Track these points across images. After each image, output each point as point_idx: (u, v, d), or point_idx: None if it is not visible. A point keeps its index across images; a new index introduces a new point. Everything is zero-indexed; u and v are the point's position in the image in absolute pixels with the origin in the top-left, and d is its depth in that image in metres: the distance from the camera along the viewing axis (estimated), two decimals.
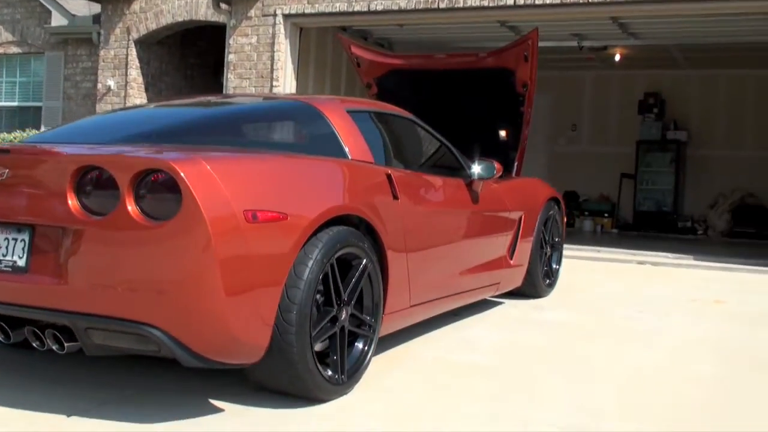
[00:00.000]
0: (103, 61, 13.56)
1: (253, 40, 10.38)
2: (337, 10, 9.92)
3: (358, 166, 4.04)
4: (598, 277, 7.42)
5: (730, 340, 5.14)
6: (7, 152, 3.31)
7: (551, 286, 6.50)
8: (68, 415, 3.35)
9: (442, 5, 9.39)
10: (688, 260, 8.62)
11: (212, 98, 4.96)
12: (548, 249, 6.39)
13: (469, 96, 6.93)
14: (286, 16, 10.21)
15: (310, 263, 3.41)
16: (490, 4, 9.16)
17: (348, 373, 3.69)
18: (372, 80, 7.30)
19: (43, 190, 3.24)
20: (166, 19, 12.79)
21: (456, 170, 5.12)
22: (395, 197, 4.15)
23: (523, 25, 10.99)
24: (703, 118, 15.32)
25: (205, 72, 15.10)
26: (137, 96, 13.52)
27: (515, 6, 9.10)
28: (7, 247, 3.32)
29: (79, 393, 3.64)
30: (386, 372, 4.07)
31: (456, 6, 9.33)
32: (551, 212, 6.40)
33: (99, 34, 13.73)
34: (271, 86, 10.26)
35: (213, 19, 12.31)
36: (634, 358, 4.55)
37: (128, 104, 13.26)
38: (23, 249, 3.28)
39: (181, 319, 3.07)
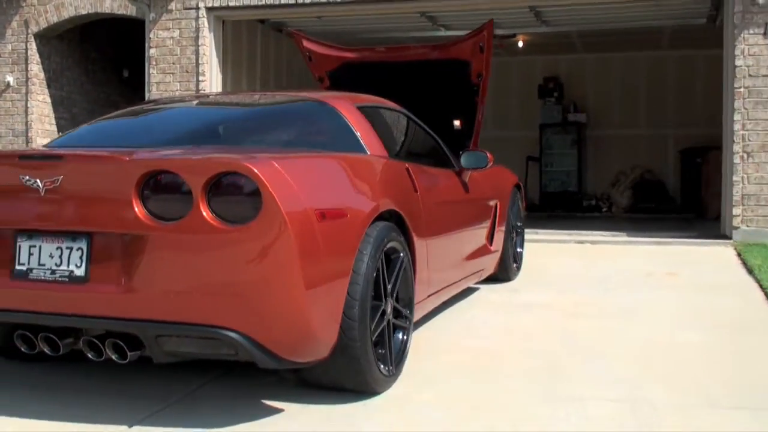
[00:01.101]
0: (0, 56, 12.87)
1: (175, 33, 10.13)
2: (264, 2, 9.82)
3: (387, 161, 4.11)
4: (549, 258, 7.72)
5: (702, 309, 5.49)
6: (60, 158, 3.19)
7: (518, 269, 6.73)
8: (129, 426, 3.28)
9: None
10: (622, 237, 9.08)
11: (222, 97, 4.89)
12: (514, 234, 6.61)
13: (424, 87, 7.03)
14: (209, 9, 10.02)
15: (366, 259, 3.46)
16: None
17: (395, 364, 3.76)
18: (324, 74, 7.29)
19: (103, 196, 3.14)
20: (68, 12, 12.27)
21: (446, 161, 5.25)
22: (415, 190, 4.24)
23: (442, 15, 11.20)
24: (600, 100, 16.02)
25: (106, 66, 14.60)
26: (39, 92, 12.91)
27: None
28: (60, 257, 3.21)
29: (126, 404, 3.56)
30: (414, 361, 4.15)
31: None
32: (516, 198, 6.63)
33: None
34: (197, 81, 10.06)
35: (120, 12, 11.89)
36: (629, 333, 4.81)
37: (31, 101, 12.68)
38: (81, 258, 3.18)
39: (261, 321, 3.06)
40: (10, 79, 12.86)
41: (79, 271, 3.17)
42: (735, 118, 8.46)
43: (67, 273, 3.18)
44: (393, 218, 3.87)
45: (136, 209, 3.07)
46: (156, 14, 10.19)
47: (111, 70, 14.68)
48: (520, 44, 14.32)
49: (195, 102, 4.76)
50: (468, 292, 6.07)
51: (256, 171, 2.98)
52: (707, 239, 8.71)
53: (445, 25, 11.88)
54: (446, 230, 4.72)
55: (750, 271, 6.69)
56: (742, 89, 8.43)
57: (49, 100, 13.19)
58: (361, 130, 4.22)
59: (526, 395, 3.64)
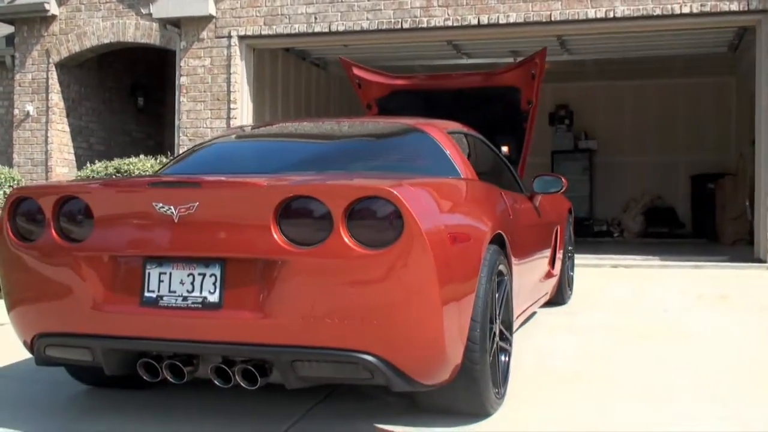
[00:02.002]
0: (20, 86, 12.90)
1: (207, 62, 10.20)
2: (297, 31, 9.92)
3: (489, 185, 4.17)
4: (592, 281, 7.77)
5: (761, 329, 5.55)
6: (198, 185, 3.22)
7: (571, 292, 6.79)
8: None
9: (406, 25, 9.57)
10: (655, 261, 9.17)
11: (312, 125, 4.95)
12: (567, 258, 6.67)
13: (474, 114, 7.12)
14: (241, 38, 10.10)
15: (484, 281, 3.51)
16: (454, 24, 9.41)
17: (503, 387, 3.79)
18: (373, 101, 7.39)
19: (239, 222, 3.17)
20: (90, 41, 12.33)
21: (517, 185, 5.32)
22: (509, 214, 4.30)
23: (466, 43, 11.34)
24: (611, 127, 16.20)
25: (122, 95, 14.65)
26: (59, 121, 12.94)
27: (479, 26, 9.39)
28: (192, 284, 3.23)
29: (241, 428, 3.57)
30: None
31: (420, 26, 9.54)
32: (569, 222, 6.70)
33: (13, 57, 13.04)
34: (229, 108, 10.11)
35: (143, 41, 11.98)
36: (714, 354, 4.86)
37: (51, 130, 12.69)
38: (214, 284, 3.20)
39: (399, 344, 3.09)
40: (30, 108, 12.88)
41: (213, 298, 3.19)
42: None
43: (200, 299, 3.19)
44: (498, 242, 3.93)
45: (275, 235, 3.10)
46: (187, 43, 10.25)
47: (126, 99, 14.73)
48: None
49: (290, 129, 4.82)
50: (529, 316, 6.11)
51: (398, 195, 3.02)
52: (742, 263, 8.81)
53: (467, 54, 12.03)
54: (529, 254, 4.78)
55: None
56: None
57: (68, 129, 13.21)
58: (454, 155, 4.29)
59: (638, 416, 3.67)
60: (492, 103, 7.09)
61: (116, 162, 10.42)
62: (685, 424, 3.57)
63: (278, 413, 3.75)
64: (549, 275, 5.79)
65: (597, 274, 8.31)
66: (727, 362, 4.69)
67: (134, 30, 12.02)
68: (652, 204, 15.62)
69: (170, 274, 3.26)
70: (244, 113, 10.32)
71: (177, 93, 10.32)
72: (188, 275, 3.24)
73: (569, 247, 6.86)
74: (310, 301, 3.08)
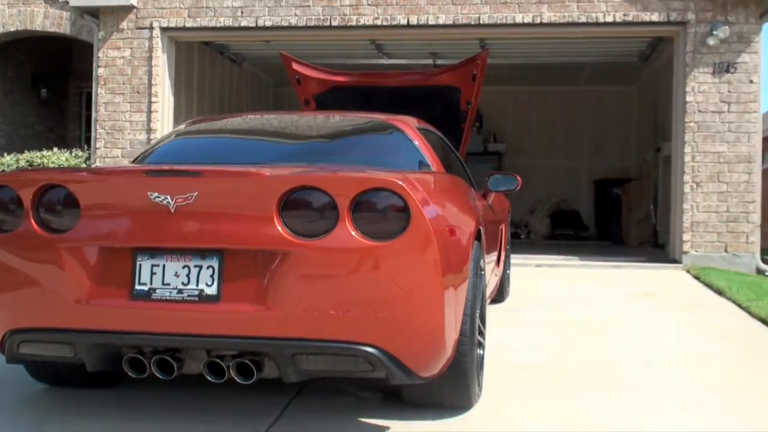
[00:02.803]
0: None
1: (127, 53, 9.87)
2: (222, 24, 9.72)
3: (464, 181, 4.21)
4: (523, 280, 7.95)
5: (701, 326, 5.83)
6: (199, 174, 3.12)
7: (509, 290, 6.94)
8: None
9: (335, 23, 9.54)
10: (575, 261, 9.46)
11: (281, 118, 4.86)
12: (506, 257, 6.81)
13: (412, 112, 7.17)
14: (164, 29, 9.82)
15: (471, 275, 3.55)
16: (383, 23, 9.45)
17: (481, 379, 3.85)
18: (311, 96, 7.33)
19: (240, 213, 3.10)
20: None
21: (471, 181, 5.40)
22: (480, 210, 4.37)
23: (389, 43, 11.40)
24: (519, 131, 16.58)
25: (24, 86, 14.02)
26: None
27: (408, 26, 9.45)
28: (188, 276, 3.14)
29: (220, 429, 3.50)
30: None
31: (349, 24, 9.53)
32: (509, 221, 6.84)
33: None
34: (149, 102, 9.82)
35: (53, 30, 11.53)
36: (655, 346, 5.08)
37: None
38: (212, 276, 3.12)
39: (402, 336, 3.09)
40: None
41: (211, 290, 3.10)
42: (686, 150, 9.01)
43: (197, 292, 3.10)
44: (478, 237, 3.98)
45: (278, 226, 3.05)
46: (106, 33, 9.91)
47: (28, 90, 14.11)
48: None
49: (259, 122, 4.73)
50: None
51: (405, 187, 3.02)
52: (659, 263, 9.19)
53: (388, 54, 12.09)
54: (489, 251, 4.86)
55: (719, 293, 7.12)
56: (692, 124, 9.00)
57: None
58: (425, 150, 4.33)
59: (605, 405, 3.79)
60: (431, 102, 7.15)
61: (28, 155, 10.00)
62: (653, 412, 3.71)
63: (250, 411, 3.68)
64: (497, 272, 5.90)
65: (524, 273, 8.51)
66: (670, 354, 4.89)
67: (43, 18, 11.54)
68: (558, 207, 16.07)
69: (163, 266, 3.15)
70: (165, 107, 10.05)
71: (94, 85, 9.95)
72: (183, 267, 3.14)
73: (508, 246, 7.00)
74: (313, 293, 3.04)
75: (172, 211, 3.09)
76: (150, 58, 9.84)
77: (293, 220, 3.06)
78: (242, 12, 9.70)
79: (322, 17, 9.57)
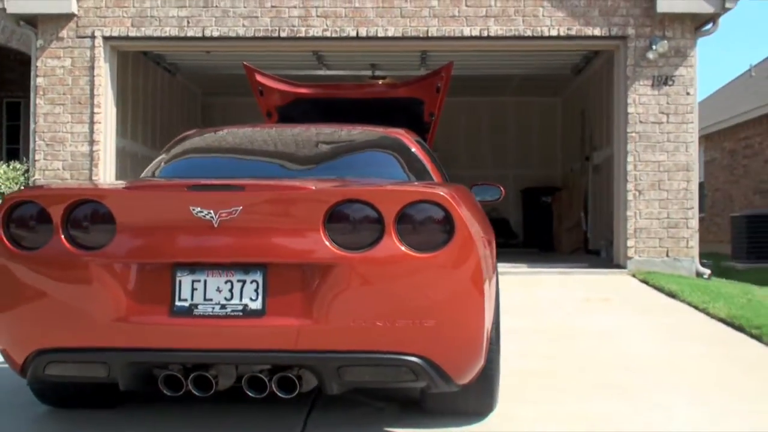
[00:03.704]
0: None
1: (67, 63, 9.59)
2: (168, 34, 9.55)
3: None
4: None
5: (665, 327, 6.10)
6: (242, 189, 3.11)
7: None
8: None
9: (283, 34, 9.51)
10: (523, 268, 9.68)
11: (299, 129, 4.84)
12: None
13: (376, 124, 7.24)
14: (106, 39, 9.58)
15: (495, 283, 3.65)
16: (332, 35, 9.47)
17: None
18: (274, 109, 7.30)
19: (284, 226, 3.11)
20: None
21: None
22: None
23: (330, 55, 11.43)
24: (447, 141, 16.83)
25: None
26: None
27: (357, 38, 9.51)
28: (231, 291, 3.12)
29: None
30: None
31: (297, 36, 9.51)
32: None
33: None
34: (92, 113, 9.55)
35: None
36: (625, 350, 5.32)
37: None
38: (256, 291, 3.11)
39: (446, 345, 3.15)
40: None
41: (255, 305, 3.10)
42: (628, 160, 9.36)
43: (240, 307, 3.09)
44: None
45: (324, 239, 3.07)
46: (45, 41, 9.60)
47: None
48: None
49: (265, 135, 4.71)
50: None
51: (449, 199, 3.10)
52: (604, 269, 9.51)
53: (327, 65, 12.12)
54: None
55: (672, 296, 7.44)
56: (634, 134, 9.36)
57: None
58: (427, 161, 4.43)
59: (612, 406, 3.95)
60: (395, 114, 7.20)
61: None
62: (659, 411, 3.88)
63: (270, 428, 3.66)
64: None
65: None
66: (653, 355, 5.11)
67: None
68: (488, 216, 16.36)
69: (205, 281, 3.13)
70: (108, 118, 9.81)
71: (33, 95, 9.63)
72: (226, 282, 3.12)
73: None
74: (360, 305, 3.07)
75: (215, 225, 3.08)
76: (92, 68, 9.59)
77: (339, 234, 3.09)
78: (188, 22, 9.57)
79: (270, 28, 9.54)
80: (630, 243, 9.29)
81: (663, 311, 6.80)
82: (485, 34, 9.40)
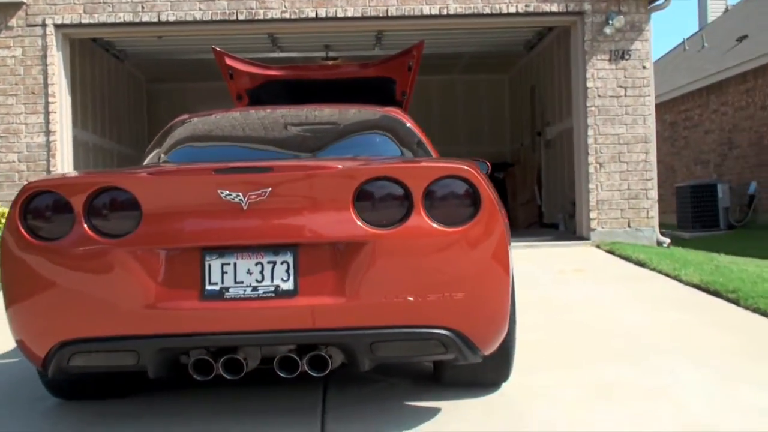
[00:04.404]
0: None
1: (18, 52, 9.31)
2: (122, 20, 9.35)
3: None
4: None
5: (643, 295, 6.28)
6: (269, 170, 3.09)
7: None
8: None
9: (241, 17, 9.40)
10: None
11: (298, 110, 4.81)
12: None
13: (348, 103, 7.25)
14: (57, 27, 9.34)
15: (510, 256, 3.71)
16: (291, 17, 9.40)
17: None
18: (244, 92, 7.23)
19: (314, 206, 3.11)
20: None
21: None
22: None
23: (284, 37, 11.35)
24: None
25: None
26: None
27: (317, 19, 9.46)
28: (262, 273, 3.12)
29: (285, 420, 3.50)
30: None
31: (256, 18, 9.41)
32: None
33: None
34: (46, 102, 9.31)
35: None
36: (615, 318, 5.46)
37: None
38: (287, 271, 3.11)
39: (475, 317, 3.20)
40: None
41: (287, 285, 3.10)
42: (588, 134, 9.54)
43: (272, 288, 3.09)
44: None
45: (354, 217, 3.08)
46: None
47: None
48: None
49: (265, 115, 4.67)
50: None
51: (475, 174, 3.14)
52: (568, 241, 9.71)
53: (281, 47, 12.03)
54: None
55: (641, 264, 7.64)
56: (593, 108, 9.54)
57: None
58: (424, 138, 4.48)
59: (622, 372, 4.07)
60: (367, 94, 7.22)
61: None
62: (667, 374, 4.01)
63: (290, 410, 3.68)
64: None
65: None
66: (643, 324, 5.26)
67: None
68: None
69: (234, 264, 3.11)
70: (63, 107, 9.58)
71: None
72: (256, 264, 3.11)
73: None
74: (392, 281, 3.09)
75: (244, 208, 3.06)
76: (44, 57, 9.35)
77: (369, 211, 3.10)
78: (143, 7, 9.39)
79: (227, 11, 9.43)
80: (593, 215, 9.50)
81: (637, 279, 6.99)
82: (444, 12, 9.45)
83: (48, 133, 9.38)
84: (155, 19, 9.41)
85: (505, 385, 3.87)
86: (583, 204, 9.71)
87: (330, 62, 12.98)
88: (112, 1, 9.37)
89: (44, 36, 9.35)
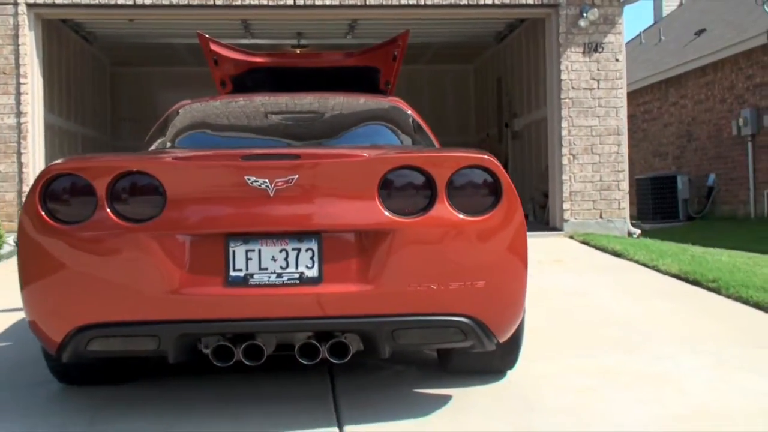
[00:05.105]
0: None
1: None
2: (97, 2, 9.19)
3: None
4: None
5: (626, 284, 6.41)
6: (297, 157, 3.10)
7: None
8: (340, 428, 3.31)
9: (219, 2, 9.31)
10: None
11: (300, 97, 4.80)
12: None
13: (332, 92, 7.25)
14: (30, 6, 9.13)
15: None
16: (270, 3, 9.33)
17: None
18: (228, 78, 7.17)
19: (339, 194, 3.13)
20: None
21: None
22: None
23: (257, 23, 11.27)
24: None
25: None
26: None
27: (295, 6, 9.40)
28: (286, 259, 3.13)
29: (299, 409, 3.52)
30: None
31: (234, 4, 9.32)
32: None
33: None
34: (18, 83, 9.11)
35: None
36: (609, 307, 5.57)
37: None
38: (311, 258, 3.13)
39: (494, 305, 3.26)
40: None
41: (311, 272, 3.12)
42: (562, 125, 9.67)
43: (297, 275, 3.11)
44: None
45: (378, 206, 3.11)
46: None
47: None
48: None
49: (267, 103, 4.66)
50: None
51: (496, 163, 3.20)
52: (541, 231, 9.82)
53: (253, 34, 11.94)
54: None
55: (618, 255, 7.79)
56: (567, 100, 9.67)
57: None
58: (426, 127, 4.53)
59: (621, 359, 4.18)
60: (351, 82, 7.22)
61: None
62: (666, 360, 4.12)
63: (298, 397, 3.70)
64: None
65: None
66: (630, 312, 5.39)
67: None
68: None
69: (259, 250, 3.12)
70: (35, 89, 9.39)
71: None
72: (280, 251, 3.13)
73: None
74: (414, 269, 3.13)
75: (271, 195, 3.07)
76: (16, 36, 9.15)
77: (393, 200, 3.14)
78: None
79: None
80: (566, 206, 9.64)
81: (617, 270, 7.13)
82: (422, 2, 9.48)
83: (19, 114, 9.19)
84: (131, 2, 9.26)
85: (510, 373, 3.94)
86: (556, 195, 9.85)
87: (298, 50, 12.96)
88: None
89: (16, 15, 9.15)
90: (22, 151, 9.16)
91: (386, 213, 3.11)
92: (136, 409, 3.56)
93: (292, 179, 3.07)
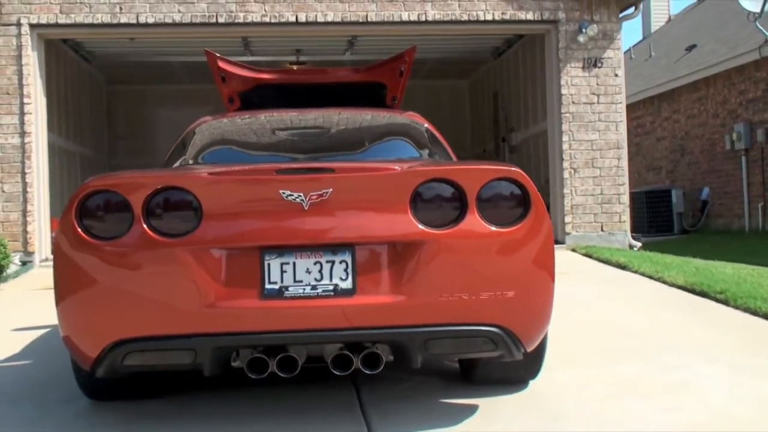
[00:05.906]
0: None
1: None
2: (99, 21, 9.25)
3: None
4: None
5: (631, 295, 6.49)
6: (331, 171, 3.16)
7: None
8: None
9: (221, 20, 9.39)
10: None
11: (318, 113, 4.86)
12: None
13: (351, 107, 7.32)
14: (33, 26, 9.19)
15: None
16: (272, 21, 9.42)
17: None
18: (236, 95, 7.23)
19: (372, 207, 3.19)
20: None
21: None
22: None
23: (257, 40, 11.36)
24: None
25: None
26: None
27: (297, 23, 9.50)
28: (320, 272, 3.18)
29: (326, 420, 3.56)
30: None
31: (236, 21, 9.41)
32: None
33: None
34: (22, 104, 9.15)
35: None
36: (620, 319, 5.64)
37: None
38: (345, 270, 3.18)
39: (524, 315, 3.33)
40: None
41: (346, 284, 3.17)
42: (563, 139, 9.78)
43: (331, 287, 3.16)
44: None
45: (411, 218, 3.18)
46: None
47: None
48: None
49: (288, 118, 4.73)
50: None
51: (525, 175, 3.27)
52: None
53: (252, 51, 12.02)
54: None
55: (623, 267, 7.86)
56: (567, 114, 9.78)
57: None
58: (444, 141, 4.60)
59: (639, 369, 4.24)
60: (357, 98, 7.30)
61: None
62: (682, 369, 4.19)
63: (326, 409, 3.74)
64: None
65: None
66: (640, 324, 5.45)
67: None
68: None
69: (294, 263, 3.17)
70: (38, 108, 9.44)
71: None
72: (315, 263, 3.18)
73: None
74: (445, 281, 3.19)
75: (305, 208, 3.13)
76: (19, 57, 9.19)
77: (425, 212, 3.20)
78: (121, 8, 9.31)
79: (207, 14, 9.40)
80: (567, 219, 9.73)
81: (623, 282, 7.20)
82: (423, 18, 9.59)
83: (23, 134, 9.23)
84: (133, 21, 9.34)
85: (532, 383, 3.99)
86: (557, 208, 9.94)
87: (295, 67, 13.04)
88: (89, 1, 9.27)
89: (19, 36, 9.20)
90: (27, 170, 9.18)
91: (418, 225, 3.17)
92: (166, 423, 3.60)
93: (327, 192, 3.13)
